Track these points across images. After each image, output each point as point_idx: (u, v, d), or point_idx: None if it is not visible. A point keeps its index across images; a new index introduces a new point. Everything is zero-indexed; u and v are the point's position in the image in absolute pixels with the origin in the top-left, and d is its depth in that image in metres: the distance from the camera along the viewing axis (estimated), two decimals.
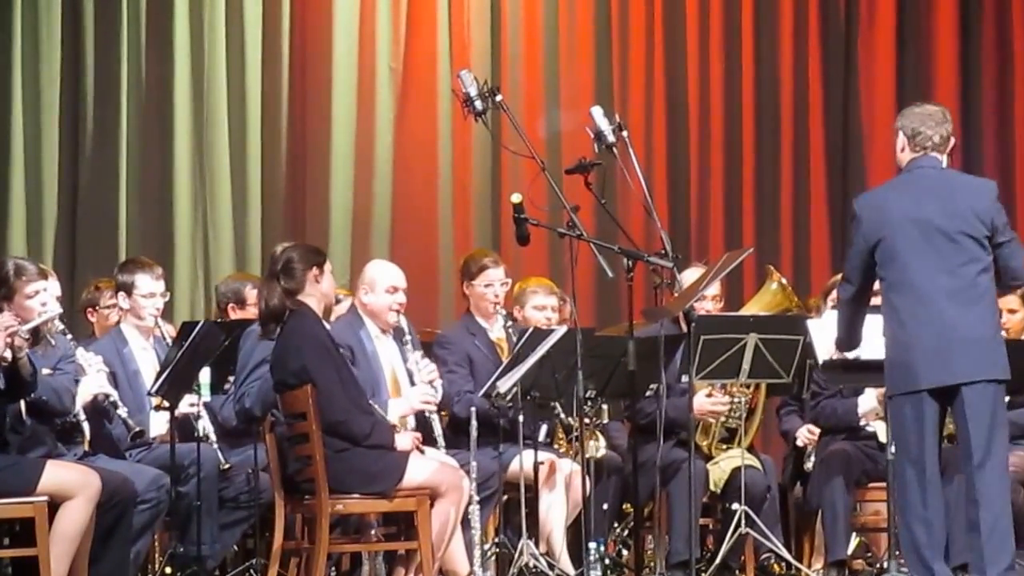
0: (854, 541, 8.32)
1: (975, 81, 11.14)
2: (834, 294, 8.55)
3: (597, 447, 8.08)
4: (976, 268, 6.53)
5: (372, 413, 7.29)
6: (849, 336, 6.85)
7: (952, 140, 6.76)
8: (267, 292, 7.20)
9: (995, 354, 6.54)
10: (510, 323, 8.24)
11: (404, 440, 7.28)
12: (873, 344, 7.09)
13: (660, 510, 8.09)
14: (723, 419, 8.24)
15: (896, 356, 6.59)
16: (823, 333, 7.44)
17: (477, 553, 7.62)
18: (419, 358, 7.93)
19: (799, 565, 8.24)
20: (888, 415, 6.79)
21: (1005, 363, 6.55)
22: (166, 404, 7.51)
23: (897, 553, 7.39)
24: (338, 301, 8.48)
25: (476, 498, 7.61)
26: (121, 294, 7.93)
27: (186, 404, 7.61)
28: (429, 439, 7.79)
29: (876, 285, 6.75)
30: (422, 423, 7.92)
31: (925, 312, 6.51)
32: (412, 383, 7.92)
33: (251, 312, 8.32)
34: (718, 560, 7.87)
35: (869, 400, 8.19)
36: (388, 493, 7.08)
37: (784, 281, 8.52)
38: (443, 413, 8.02)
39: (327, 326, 7.36)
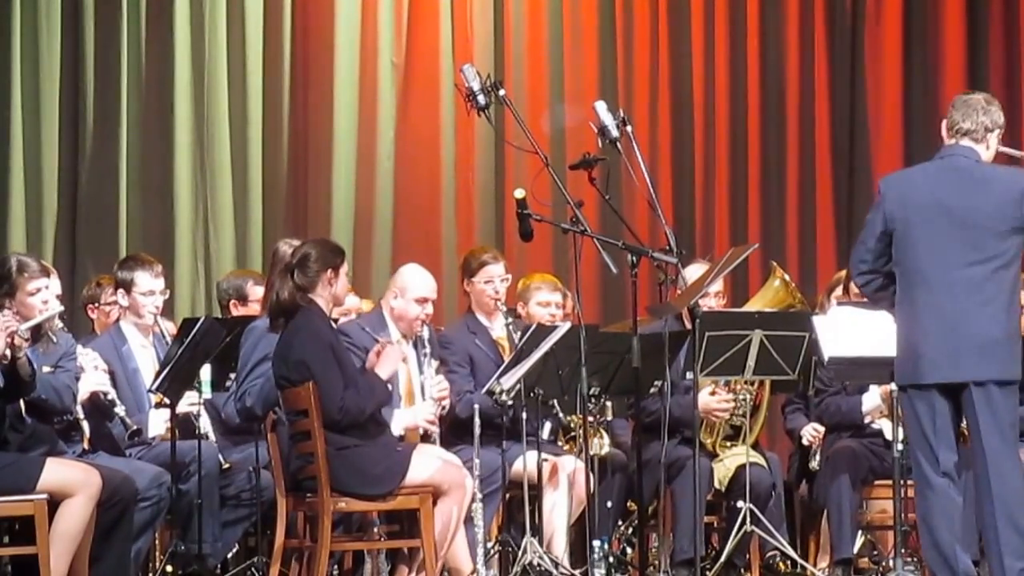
0: (860, 539, 8.28)
1: (982, 76, 11.08)
2: (838, 291, 8.53)
3: (601, 444, 8.03)
4: (996, 264, 6.36)
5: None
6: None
7: (996, 129, 6.56)
8: (279, 285, 7.14)
9: (1006, 354, 6.37)
10: (511, 320, 8.18)
11: (405, 417, 7.27)
12: (875, 341, 7.05)
13: (665, 508, 8.04)
14: (728, 416, 8.20)
15: (907, 347, 6.46)
16: (828, 329, 7.38)
17: (480, 551, 7.59)
18: (433, 372, 7.86)
19: (804, 563, 8.20)
20: (899, 407, 6.68)
21: (1017, 364, 6.40)
22: (167, 401, 7.48)
23: (903, 551, 7.35)
24: None
25: (479, 496, 7.57)
26: (120, 291, 7.90)
27: (186, 402, 7.57)
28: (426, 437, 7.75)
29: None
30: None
31: (939, 305, 6.37)
32: (424, 395, 7.86)
33: (253, 309, 8.29)
34: (723, 558, 7.82)
35: (873, 398, 8.14)
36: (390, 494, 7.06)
37: (787, 278, 8.47)
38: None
39: (333, 326, 7.31)
